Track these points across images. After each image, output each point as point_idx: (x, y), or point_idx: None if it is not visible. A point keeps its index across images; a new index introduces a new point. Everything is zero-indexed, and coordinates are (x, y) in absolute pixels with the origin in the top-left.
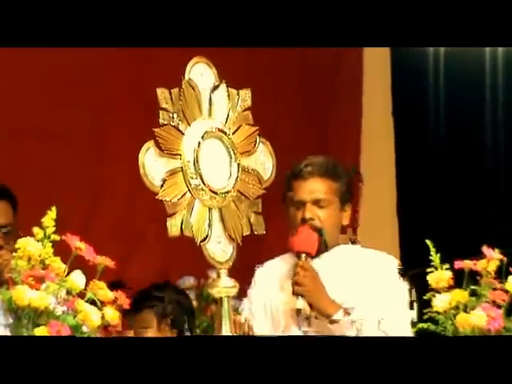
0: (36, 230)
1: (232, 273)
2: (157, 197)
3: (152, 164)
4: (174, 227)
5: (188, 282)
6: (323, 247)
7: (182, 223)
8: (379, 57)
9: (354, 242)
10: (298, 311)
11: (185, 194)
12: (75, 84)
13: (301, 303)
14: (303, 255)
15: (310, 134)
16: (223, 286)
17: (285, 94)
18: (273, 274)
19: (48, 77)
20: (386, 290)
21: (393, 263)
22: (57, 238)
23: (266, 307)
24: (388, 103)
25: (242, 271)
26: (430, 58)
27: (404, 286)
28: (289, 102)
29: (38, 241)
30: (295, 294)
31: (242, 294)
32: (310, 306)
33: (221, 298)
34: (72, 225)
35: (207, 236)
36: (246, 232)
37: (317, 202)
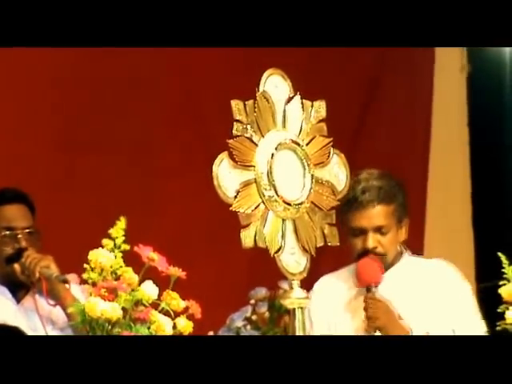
0: (105, 241)
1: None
2: (231, 208)
3: (226, 175)
4: (247, 238)
5: (260, 293)
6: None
7: (255, 234)
8: (453, 64)
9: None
10: None
11: (258, 205)
12: (127, 95)
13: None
14: (373, 287)
15: (377, 144)
16: (296, 297)
17: (353, 103)
18: (333, 293)
19: (100, 86)
20: (452, 299)
21: (453, 269)
22: (127, 247)
23: (331, 330)
24: (463, 113)
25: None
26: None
27: (468, 288)
28: (357, 111)
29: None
30: (371, 328)
31: None
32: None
33: (294, 310)
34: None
35: (281, 247)
36: (320, 243)
37: (378, 229)
